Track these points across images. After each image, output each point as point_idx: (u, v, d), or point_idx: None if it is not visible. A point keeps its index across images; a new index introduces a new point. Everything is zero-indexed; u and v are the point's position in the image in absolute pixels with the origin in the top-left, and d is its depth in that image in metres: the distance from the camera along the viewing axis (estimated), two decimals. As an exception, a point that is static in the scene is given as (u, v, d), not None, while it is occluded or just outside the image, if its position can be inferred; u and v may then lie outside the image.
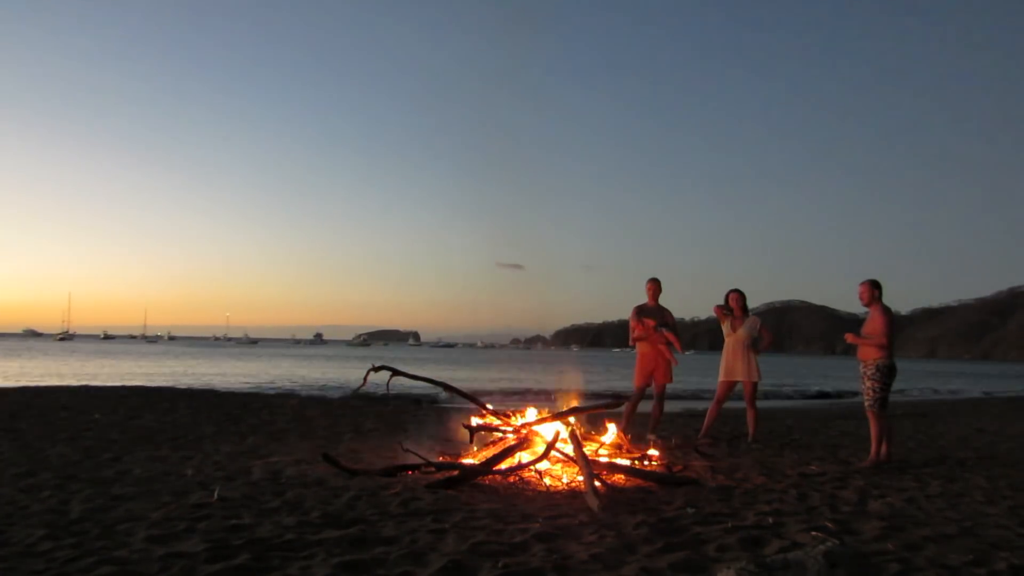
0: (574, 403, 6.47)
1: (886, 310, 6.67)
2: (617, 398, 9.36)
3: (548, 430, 5.88)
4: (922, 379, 40.99)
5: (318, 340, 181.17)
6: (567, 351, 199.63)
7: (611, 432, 6.53)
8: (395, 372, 6.94)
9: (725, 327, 8.09)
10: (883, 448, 6.62)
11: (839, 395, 24.39)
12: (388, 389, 6.99)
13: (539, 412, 6.31)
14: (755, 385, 7.98)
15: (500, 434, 6.21)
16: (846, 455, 7.23)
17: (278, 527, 3.90)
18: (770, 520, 4.25)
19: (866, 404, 6.67)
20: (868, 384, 6.61)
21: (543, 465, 5.53)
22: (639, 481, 5.40)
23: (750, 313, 8.21)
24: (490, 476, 5.32)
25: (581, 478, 5.01)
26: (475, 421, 6.40)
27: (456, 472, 5.25)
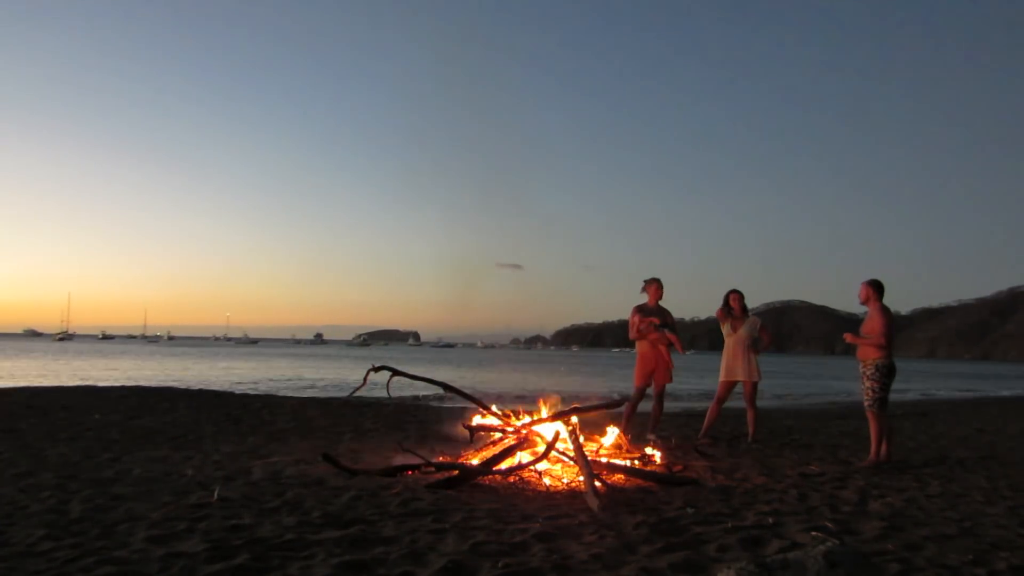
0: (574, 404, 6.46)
1: (885, 310, 6.67)
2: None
3: (548, 430, 5.88)
4: (922, 379, 40.96)
5: (318, 340, 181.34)
6: (567, 351, 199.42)
7: (611, 433, 6.53)
8: (395, 372, 6.93)
9: (725, 328, 8.09)
10: (883, 448, 6.62)
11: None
12: (388, 389, 6.98)
13: (539, 411, 6.30)
14: (755, 385, 7.99)
15: (500, 434, 6.20)
16: (846, 455, 7.23)
17: (278, 527, 3.90)
18: (770, 520, 4.25)
19: (866, 404, 6.67)
20: (867, 384, 6.62)
21: (543, 465, 5.54)
22: (639, 481, 5.40)
23: (750, 313, 8.21)
24: (490, 476, 5.32)
25: (581, 478, 5.01)
26: (475, 421, 6.40)
27: (456, 472, 5.24)
